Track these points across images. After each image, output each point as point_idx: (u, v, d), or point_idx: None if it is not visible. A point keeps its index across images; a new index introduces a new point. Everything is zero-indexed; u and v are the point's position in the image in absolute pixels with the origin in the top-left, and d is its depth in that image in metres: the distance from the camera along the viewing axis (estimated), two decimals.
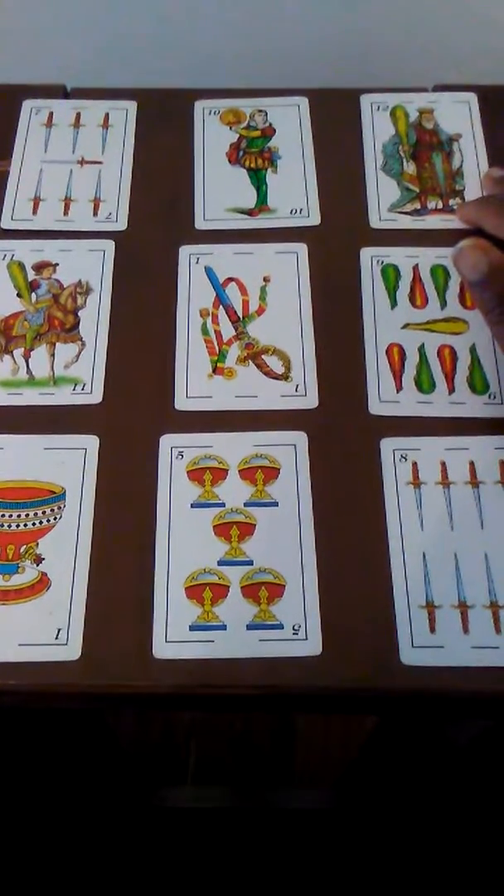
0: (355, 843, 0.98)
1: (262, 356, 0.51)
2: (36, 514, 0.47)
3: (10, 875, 0.90)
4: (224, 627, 0.44)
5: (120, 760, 0.98)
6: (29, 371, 0.51)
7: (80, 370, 0.51)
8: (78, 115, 0.60)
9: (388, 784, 0.95)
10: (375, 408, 0.49)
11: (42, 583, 0.45)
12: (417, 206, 0.57)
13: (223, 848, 0.99)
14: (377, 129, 0.59)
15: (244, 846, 0.99)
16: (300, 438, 0.48)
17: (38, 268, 0.54)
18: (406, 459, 0.47)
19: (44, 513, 0.47)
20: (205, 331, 0.52)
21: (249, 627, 0.44)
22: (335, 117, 0.60)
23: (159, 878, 0.96)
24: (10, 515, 0.46)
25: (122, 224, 0.56)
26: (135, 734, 1.07)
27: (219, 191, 0.57)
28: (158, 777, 1.04)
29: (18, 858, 0.92)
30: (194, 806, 1.01)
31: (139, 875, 0.97)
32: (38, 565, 0.45)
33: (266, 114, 0.60)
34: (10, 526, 0.46)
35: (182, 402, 0.50)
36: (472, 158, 0.58)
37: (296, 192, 0.57)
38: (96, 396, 0.50)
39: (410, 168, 0.58)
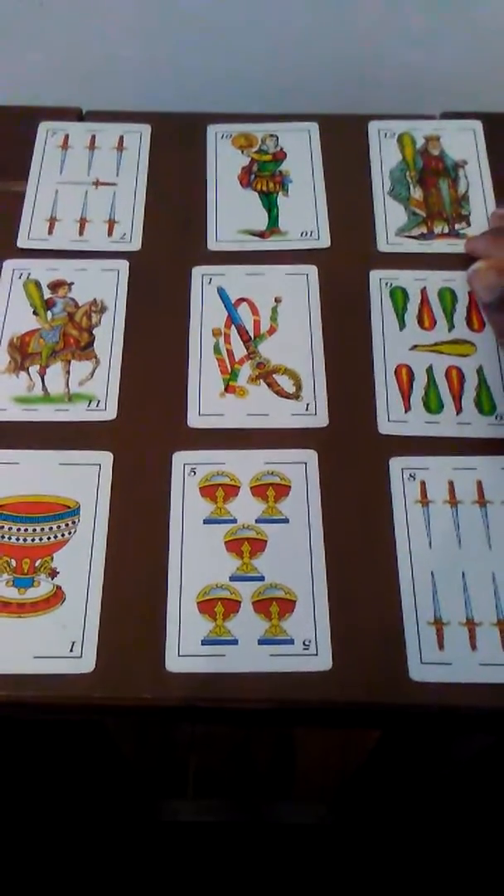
0: (353, 858, 0.98)
1: (273, 375, 0.52)
2: (51, 529, 0.47)
3: (11, 885, 0.90)
4: (236, 642, 0.44)
5: (121, 773, 0.98)
6: (44, 387, 0.52)
7: (95, 387, 0.52)
8: (93, 138, 0.62)
9: (386, 800, 0.96)
10: (384, 427, 0.50)
11: (57, 596, 0.46)
12: (424, 230, 0.58)
13: (222, 861, 0.99)
14: (385, 154, 0.61)
15: (243, 859, 0.99)
16: (311, 456, 0.49)
17: (54, 286, 0.56)
18: (414, 478, 0.48)
19: (59, 527, 0.47)
20: (217, 350, 0.53)
21: (261, 642, 0.44)
22: (344, 142, 0.62)
23: (159, 891, 0.96)
24: (26, 529, 0.47)
25: (136, 244, 0.57)
26: (135, 747, 1.07)
27: (231, 213, 0.58)
28: (158, 790, 1.04)
29: (19, 869, 0.92)
30: (194, 819, 1.01)
31: (138, 887, 0.97)
32: (52, 579, 0.46)
33: (277, 138, 0.62)
34: (25, 540, 0.47)
35: (195, 420, 0.51)
36: (478, 184, 0.60)
37: (306, 215, 0.58)
38: (110, 413, 0.51)
39: (417, 193, 0.59)
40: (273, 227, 0.58)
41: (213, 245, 0.57)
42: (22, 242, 0.57)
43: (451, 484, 0.48)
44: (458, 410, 0.51)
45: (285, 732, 1.05)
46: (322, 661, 0.44)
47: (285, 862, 0.99)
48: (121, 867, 0.97)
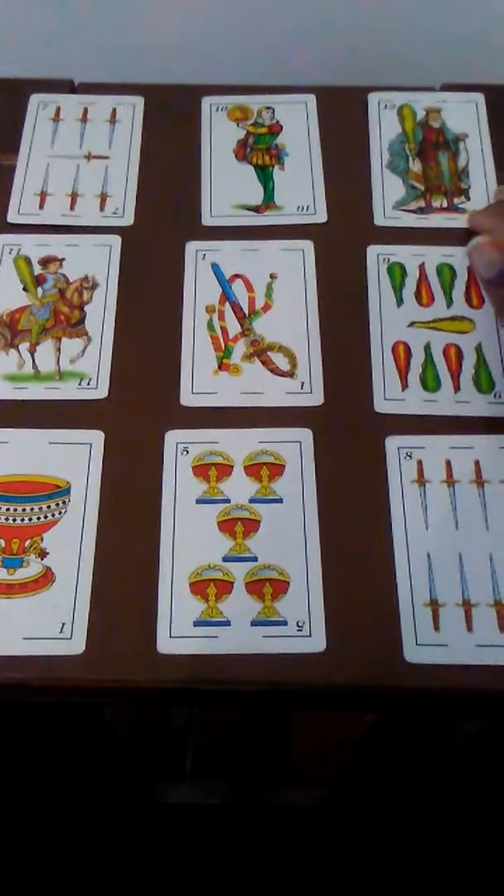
0: (352, 840, 0.99)
1: (268, 353, 0.51)
2: (41, 509, 0.47)
3: (8, 871, 0.90)
4: (228, 623, 0.44)
5: (118, 756, 0.98)
6: (35, 365, 0.51)
7: (86, 365, 0.51)
8: (85, 110, 0.60)
9: (385, 782, 0.96)
10: (381, 406, 0.49)
11: (46, 577, 0.45)
12: (422, 203, 0.57)
13: (220, 844, 0.99)
14: (384, 127, 0.59)
15: (241, 842, 0.99)
16: (305, 435, 0.49)
17: (45, 262, 0.54)
18: (411, 457, 0.48)
19: (48, 507, 0.47)
20: (211, 327, 0.52)
21: (254, 624, 0.44)
22: (342, 115, 0.60)
23: (156, 874, 0.97)
24: (16, 509, 0.46)
25: (128, 219, 0.56)
26: (132, 730, 1.07)
27: (226, 187, 0.57)
28: (156, 773, 1.04)
29: (16, 853, 0.92)
30: (191, 802, 1.01)
31: (136, 870, 0.97)
32: (42, 559, 0.45)
33: (273, 111, 0.60)
34: (14, 520, 0.46)
35: (188, 398, 0.50)
36: (479, 158, 0.58)
37: (302, 190, 0.57)
38: (102, 391, 0.50)
39: (416, 166, 0.58)
40: (269, 202, 0.57)
41: (207, 220, 0.56)
42: (12, 217, 0.56)
43: (448, 463, 0.47)
44: (457, 388, 0.50)
45: (283, 714, 1.05)
46: (316, 642, 0.43)
47: (284, 844, 0.99)
48: (118, 850, 0.97)
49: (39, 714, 0.72)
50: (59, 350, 0.52)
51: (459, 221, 0.55)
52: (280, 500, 0.47)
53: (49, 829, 0.95)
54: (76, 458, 0.48)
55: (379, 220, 0.56)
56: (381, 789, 0.97)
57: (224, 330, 0.52)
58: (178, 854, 0.98)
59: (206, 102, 0.61)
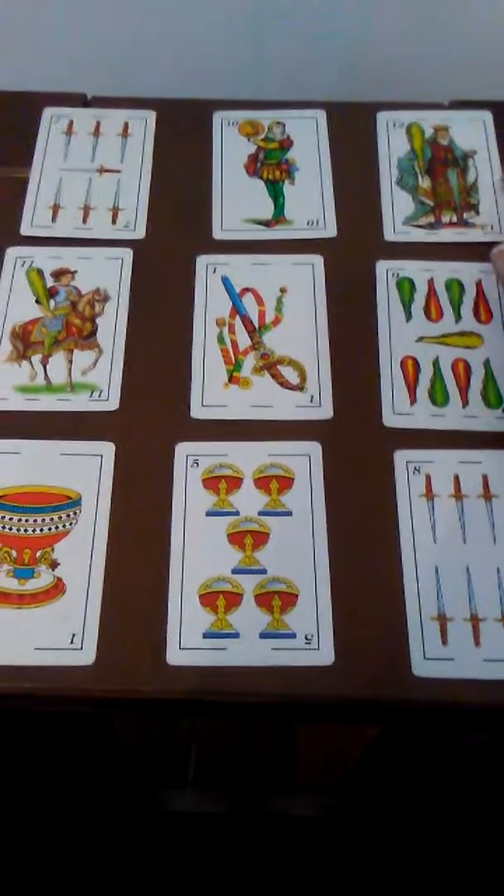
0: (355, 850, 0.98)
1: (278, 366, 0.52)
2: (52, 520, 0.47)
3: (12, 877, 0.90)
4: (237, 635, 0.44)
5: (122, 763, 0.98)
6: (46, 377, 0.52)
7: (97, 377, 0.51)
8: (98, 124, 0.61)
9: (388, 792, 0.95)
10: (389, 420, 0.50)
11: (57, 588, 0.45)
12: (431, 219, 0.57)
13: (222, 853, 0.99)
14: (393, 145, 0.60)
15: (244, 851, 0.99)
16: (314, 449, 0.49)
17: (57, 275, 0.55)
18: (419, 472, 0.48)
19: (59, 518, 0.47)
20: (221, 340, 0.53)
21: (262, 636, 0.44)
22: (352, 131, 0.61)
23: (159, 882, 0.97)
24: (27, 520, 0.47)
25: (140, 233, 0.57)
26: (136, 737, 1.07)
27: (236, 201, 0.58)
28: (159, 780, 1.04)
29: (19, 859, 0.92)
30: (194, 810, 1.01)
31: (139, 878, 0.97)
32: (53, 570, 0.46)
33: (284, 126, 0.61)
34: (26, 530, 0.47)
35: (198, 411, 0.50)
36: (487, 174, 0.59)
37: (312, 204, 0.58)
38: (113, 403, 0.51)
39: (425, 183, 0.59)
40: (279, 216, 0.57)
41: (218, 234, 0.57)
42: (25, 230, 0.57)
43: (456, 478, 0.48)
44: (465, 403, 0.50)
45: (287, 724, 1.05)
46: (324, 655, 0.43)
47: (287, 854, 0.99)
48: (121, 858, 0.97)
49: (44, 720, 0.72)
50: (70, 362, 0.52)
51: (469, 236, 0.56)
52: (289, 513, 0.47)
53: (52, 836, 0.95)
54: (87, 470, 0.48)
55: (388, 236, 0.56)
56: (385, 800, 0.96)
57: (234, 343, 0.53)
58: (180, 862, 0.98)
59: (218, 117, 0.62)
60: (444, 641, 0.43)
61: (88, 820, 0.97)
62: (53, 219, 0.57)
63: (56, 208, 0.57)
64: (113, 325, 0.53)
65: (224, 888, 0.97)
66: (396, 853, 0.96)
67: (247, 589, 0.45)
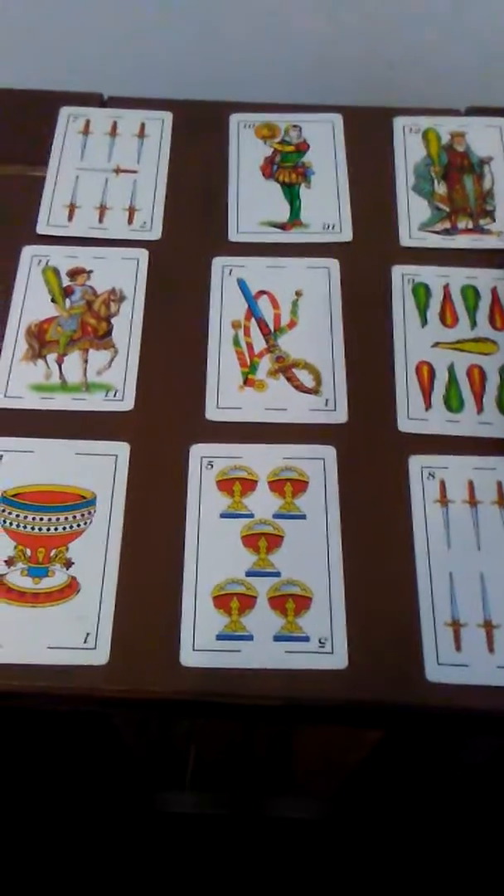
0: (352, 854, 0.98)
1: (293, 369, 0.52)
2: (66, 519, 0.47)
3: (10, 878, 0.90)
4: (251, 638, 0.44)
5: (121, 763, 0.98)
6: (62, 376, 0.52)
7: (113, 377, 0.51)
8: (114, 124, 0.61)
9: (388, 797, 0.95)
10: (404, 425, 0.50)
11: (71, 587, 0.45)
12: (447, 225, 0.57)
13: (220, 854, 0.99)
14: (409, 150, 0.60)
15: (241, 853, 0.99)
16: (329, 452, 0.49)
17: (73, 274, 0.55)
18: (434, 477, 0.48)
19: (74, 517, 0.47)
20: (236, 342, 0.53)
21: (276, 639, 0.44)
22: (368, 135, 0.61)
23: (156, 883, 0.96)
24: (41, 519, 0.47)
25: (156, 233, 0.57)
26: (134, 738, 1.07)
27: (252, 204, 0.58)
28: (157, 782, 1.04)
29: (18, 860, 0.92)
30: (192, 812, 1.01)
31: (137, 879, 0.97)
32: (67, 569, 0.46)
33: (300, 129, 0.61)
34: (40, 529, 0.47)
35: (213, 413, 0.50)
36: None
37: (328, 208, 0.58)
38: (128, 403, 0.51)
39: (441, 188, 0.59)
40: (295, 220, 0.57)
41: (234, 236, 0.57)
42: (41, 228, 0.57)
43: (470, 484, 0.48)
44: (480, 410, 0.50)
45: (290, 726, 1.05)
46: (337, 659, 0.43)
47: (284, 856, 0.99)
48: (118, 859, 0.97)
49: (45, 718, 0.72)
50: (86, 361, 0.52)
51: (485, 243, 0.56)
52: (303, 517, 0.47)
53: (50, 836, 0.95)
54: (102, 470, 0.48)
55: (404, 241, 0.56)
56: (384, 804, 0.96)
57: (249, 345, 0.53)
58: (177, 864, 0.98)
59: (234, 119, 0.62)
60: (458, 647, 0.44)
61: (86, 820, 0.96)
62: (69, 218, 0.57)
63: (72, 208, 0.57)
64: (128, 326, 0.53)
65: (222, 890, 0.96)
66: (395, 857, 0.96)
67: (261, 591, 0.45)
